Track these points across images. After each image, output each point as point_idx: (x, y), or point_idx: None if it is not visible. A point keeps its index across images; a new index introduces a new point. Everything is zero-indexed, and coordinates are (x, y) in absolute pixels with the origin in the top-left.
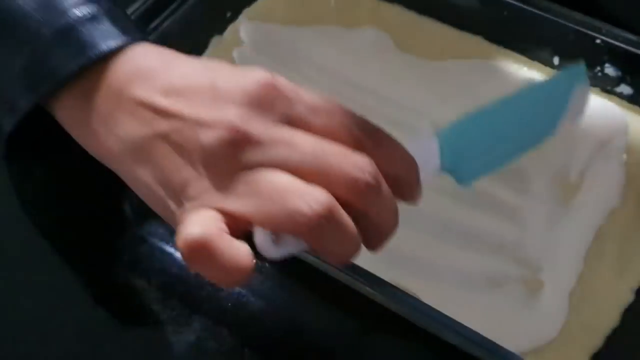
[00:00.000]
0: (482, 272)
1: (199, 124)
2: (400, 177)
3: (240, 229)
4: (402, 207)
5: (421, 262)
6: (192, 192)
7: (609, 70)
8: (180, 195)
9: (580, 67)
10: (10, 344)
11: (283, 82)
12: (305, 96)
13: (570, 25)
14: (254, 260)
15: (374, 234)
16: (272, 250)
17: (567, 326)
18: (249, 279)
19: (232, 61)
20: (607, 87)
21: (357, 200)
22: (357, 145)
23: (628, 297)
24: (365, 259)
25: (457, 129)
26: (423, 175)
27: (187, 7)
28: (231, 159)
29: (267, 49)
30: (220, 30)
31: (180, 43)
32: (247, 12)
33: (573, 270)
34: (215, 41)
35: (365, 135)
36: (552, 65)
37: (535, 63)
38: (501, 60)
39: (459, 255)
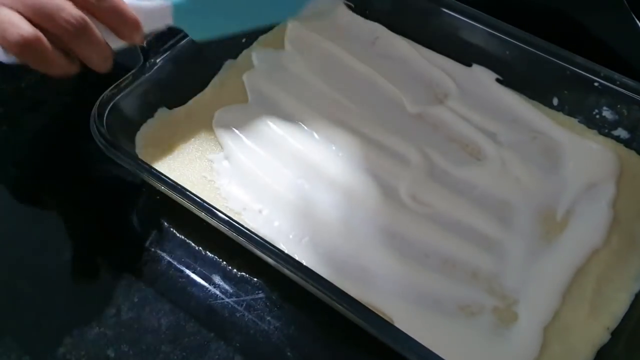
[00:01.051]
0: (456, 300)
1: None
2: (116, 27)
3: None
4: (386, 230)
5: (398, 284)
6: None
7: (607, 113)
8: None
9: None
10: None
11: None
12: None
13: (570, 67)
14: None
15: (86, 63)
16: (3, 57)
17: None
18: None
19: (241, 84)
20: (604, 130)
21: (66, 41)
22: (84, 3)
23: (604, 337)
24: (340, 277)
25: None
26: (155, 27)
27: None
28: None
29: (275, 73)
30: (235, 55)
31: (193, 62)
32: (262, 39)
33: (550, 306)
34: (228, 64)
35: None
36: (550, 105)
37: (534, 102)
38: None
39: (435, 280)
